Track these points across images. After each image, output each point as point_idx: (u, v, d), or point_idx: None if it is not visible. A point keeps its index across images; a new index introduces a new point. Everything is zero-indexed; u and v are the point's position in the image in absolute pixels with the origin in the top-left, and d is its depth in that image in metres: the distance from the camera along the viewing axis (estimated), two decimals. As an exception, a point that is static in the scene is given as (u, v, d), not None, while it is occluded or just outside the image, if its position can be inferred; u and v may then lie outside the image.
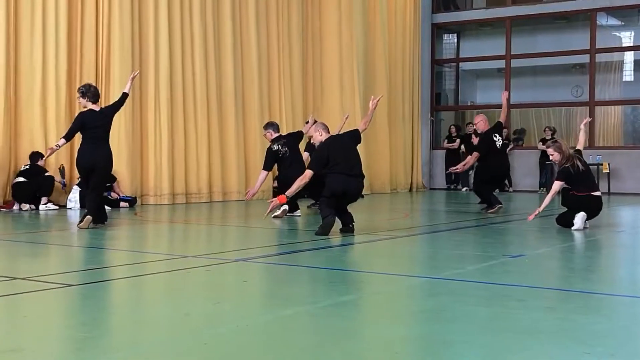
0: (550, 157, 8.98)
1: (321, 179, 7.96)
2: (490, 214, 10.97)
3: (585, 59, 19.53)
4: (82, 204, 10.96)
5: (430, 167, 20.89)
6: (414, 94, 19.93)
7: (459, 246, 7.45)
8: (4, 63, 11.26)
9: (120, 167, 12.13)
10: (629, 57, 20.56)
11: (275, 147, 10.51)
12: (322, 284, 5.12)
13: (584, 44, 19.33)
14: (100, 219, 8.56)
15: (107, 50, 12.41)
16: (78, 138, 8.80)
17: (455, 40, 22.34)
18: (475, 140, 14.50)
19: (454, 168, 12.55)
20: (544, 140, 17.87)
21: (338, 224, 7.94)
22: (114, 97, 10.47)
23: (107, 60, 12.41)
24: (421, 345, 3.48)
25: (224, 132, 14.31)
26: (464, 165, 12.30)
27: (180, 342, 3.43)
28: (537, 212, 8.80)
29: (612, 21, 20.50)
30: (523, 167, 19.25)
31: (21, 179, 11.16)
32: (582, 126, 9.69)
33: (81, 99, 8.59)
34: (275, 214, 9.80)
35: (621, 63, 20.48)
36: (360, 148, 8.35)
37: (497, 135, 11.47)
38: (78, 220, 8.60)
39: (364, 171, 8.30)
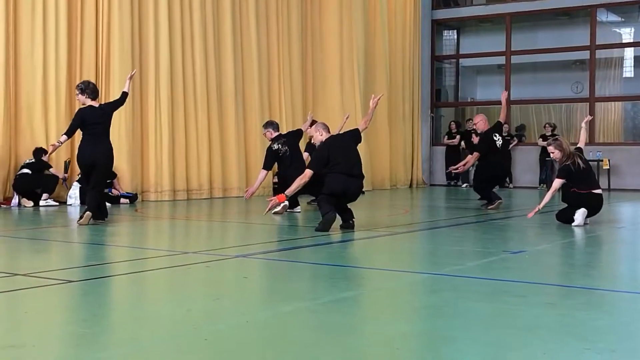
0: (551, 155, 8.98)
1: (321, 178, 7.95)
2: (490, 210, 10.98)
3: (585, 55, 19.53)
4: (83, 200, 10.97)
5: (430, 163, 20.89)
6: (414, 90, 19.91)
7: (459, 242, 7.44)
8: (4, 62, 11.26)
9: (121, 163, 12.14)
10: (629, 53, 20.55)
11: (276, 146, 10.49)
12: (322, 280, 5.12)
13: (584, 40, 19.33)
14: (100, 215, 8.57)
15: (107, 49, 12.41)
16: (79, 134, 8.79)
17: (455, 36, 22.33)
18: (475, 139, 14.50)
19: (454, 168, 12.54)
20: (544, 137, 17.87)
21: (338, 220, 7.94)
22: (114, 97, 10.45)
23: (107, 60, 12.41)
24: (422, 342, 3.48)
25: (224, 129, 14.32)
26: (464, 165, 12.31)
27: (180, 338, 3.43)
28: (537, 210, 8.80)
29: (612, 17, 20.48)
30: (523, 163, 19.26)
31: (26, 171, 11.20)
32: (583, 125, 9.69)
33: (80, 95, 8.57)
34: (276, 210, 9.80)
35: (621, 59, 20.47)
36: (360, 144, 8.35)
37: (497, 134, 11.49)
38: (78, 216, 8.60)
39: (364, 167, 8.29)
